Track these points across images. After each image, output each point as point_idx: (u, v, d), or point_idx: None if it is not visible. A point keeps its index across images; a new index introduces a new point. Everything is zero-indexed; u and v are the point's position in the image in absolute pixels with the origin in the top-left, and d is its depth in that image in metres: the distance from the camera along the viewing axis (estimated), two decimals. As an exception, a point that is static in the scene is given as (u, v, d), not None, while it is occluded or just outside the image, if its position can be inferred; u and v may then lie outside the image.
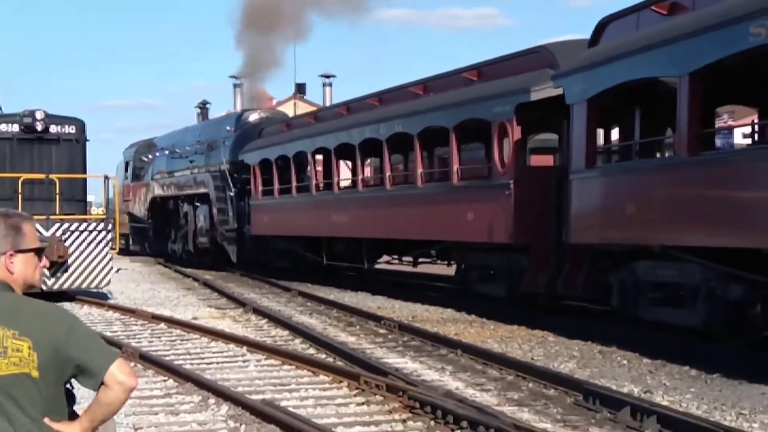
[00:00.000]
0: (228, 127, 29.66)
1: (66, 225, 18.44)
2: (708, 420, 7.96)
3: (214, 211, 28.32)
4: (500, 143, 15.80)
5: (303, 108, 48.83)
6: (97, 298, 18.89)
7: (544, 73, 14.88)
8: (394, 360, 11.76)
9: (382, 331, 14.40)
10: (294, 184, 24.32)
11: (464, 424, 7.81)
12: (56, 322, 3.01)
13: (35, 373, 2.94)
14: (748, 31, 10.17)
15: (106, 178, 21.86)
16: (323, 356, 11.89)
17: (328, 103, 51.21)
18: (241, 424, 8.19)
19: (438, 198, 17.98)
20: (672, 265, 12.18)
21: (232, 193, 28.10)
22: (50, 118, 19.31)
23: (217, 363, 11.55)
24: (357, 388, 9.57)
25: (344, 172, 23.96)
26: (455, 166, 17.16)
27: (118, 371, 2.99)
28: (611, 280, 13.53)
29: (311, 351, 12.46)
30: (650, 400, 8.89)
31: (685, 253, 11.70)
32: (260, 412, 8.37)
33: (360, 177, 21.53)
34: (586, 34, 14.52)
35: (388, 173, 19.94)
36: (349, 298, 19.65)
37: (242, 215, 27.62)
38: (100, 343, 3.08)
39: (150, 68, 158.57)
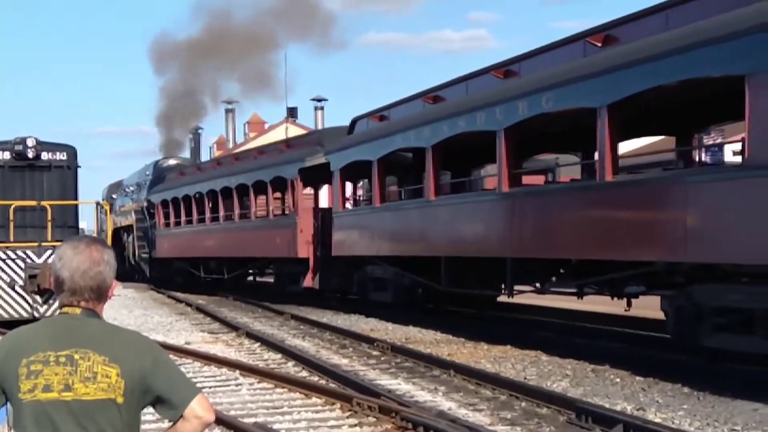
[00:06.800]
0: (147, 172, 38.47)
1: (58, 251, 18.36)
2: (700, 436, 8.00)
3: (134, 238, 37.15)
4: (292, 192, 24.63)
5: (295, 131, 48.92)
6: (90, 325, 18.80)
7: (316, 149, 23.76)
8: (387, 381, 11.76)
9: (375, 353, 14.40)
10: (183, 218, 32.88)
11: (457, 444, 7.82)
12: (144, 350, 3.05)
13: (120, 399, 2.98)
14: (411, 137, 18.46)
15: (98, 204, 21.88)
16: (316, 379, 11.89)
17: (320, 127, 51.40)
18: (233, 448, 8.17)
19: (263, 227, 26.65)
20: (381, 267, 20.55)
21: (147, 225, 36.37)
22: (42, 145, 19.25)
23: (210, 387, 11.53)
24: (350, 410, 9.57)
25: (217, 210, 30.86)
26: (270, 207, 26.54)
27: (198, 406, 3.04)
28: (355, 278, 21.99)
29: (304, 374, 12.46)
30: (643, 417, 8.89)
31: (381, 260, 20.28)
32: (252, 435, 8.35)
33: (221, 213, 29.79)
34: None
35: (236, 211, 28.71)
36: (341, 320, 19.65)
37: (154, 241, 35.63)
38: (183, 376, 3.14)
39: (144, 94, 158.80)
